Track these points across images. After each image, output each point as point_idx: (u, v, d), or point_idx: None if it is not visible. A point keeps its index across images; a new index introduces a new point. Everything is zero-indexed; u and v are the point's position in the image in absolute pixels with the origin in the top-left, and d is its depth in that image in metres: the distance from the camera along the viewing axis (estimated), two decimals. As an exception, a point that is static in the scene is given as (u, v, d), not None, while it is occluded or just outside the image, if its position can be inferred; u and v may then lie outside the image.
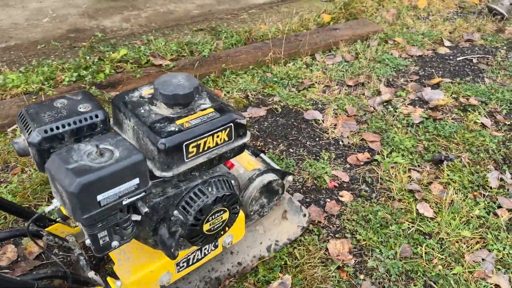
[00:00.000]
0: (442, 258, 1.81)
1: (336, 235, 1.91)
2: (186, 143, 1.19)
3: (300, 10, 4.19)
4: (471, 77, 3.19)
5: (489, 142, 2.48)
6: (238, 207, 1.44)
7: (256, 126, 2.62)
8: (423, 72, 3.26)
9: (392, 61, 3.36)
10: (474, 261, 1.80)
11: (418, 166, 2.31)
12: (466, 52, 3.58)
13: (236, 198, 1.40)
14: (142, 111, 1.26)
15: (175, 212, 1.30)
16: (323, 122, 2.65)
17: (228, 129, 1.28)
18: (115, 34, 3.57)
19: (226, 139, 1.30)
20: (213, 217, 1.35)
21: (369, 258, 1.81)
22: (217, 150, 1.29)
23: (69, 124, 1.19)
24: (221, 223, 1.41)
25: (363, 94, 2.95)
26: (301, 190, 2.16)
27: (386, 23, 4.01)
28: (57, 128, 1.17)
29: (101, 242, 1.15)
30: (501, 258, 1.83)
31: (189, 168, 1.24)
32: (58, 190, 1.06)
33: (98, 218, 1.07)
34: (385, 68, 3.28)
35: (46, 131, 1.15)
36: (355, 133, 2.57)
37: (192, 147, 1.21)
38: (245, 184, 1.67)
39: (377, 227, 1.95)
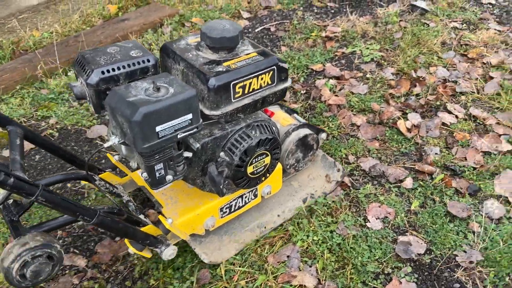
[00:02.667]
0: (245, 271, 1.56)
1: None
2: (233, 82, 1.25)
3: (82, 5, 3.49)
4: (269, 48, 2.97)
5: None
6: (279, 152, 1.50)
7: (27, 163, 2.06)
8: (223, 53, 2.92)
9: (189, 47, 2.98)
10: (278, 262, 1.59)
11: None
12: (265, 21, 3.29)
13: (277, 142, 1.46)
14: (190, 55, 1.33)
15: (222, 153, 1.37)
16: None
17: (271, 72, 1.34)
18: None
19: (269, 82, 1.35)
20: (256, 159, 1.42)
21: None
22: (261, 93, 1.35)
23: (123, 67, 1.26)
24: (263, 167, 1.47)
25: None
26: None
27: (183, 3, 3.53)
28: (113, 70, 1.25)
29: (157, 174, 1.22)
30: (307, 248, 1.65)
31: (235, 108, 1.30)
32: (118, 122, 1.14)
33: (156, 149, 1.15)
34: (180, 57, 2.87)
35: (103, 72, 1.23)
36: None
37: (239, 87, 1.28)
38: (281, 138, 1.73)
39: (168, 264, 1.58)
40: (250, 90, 1.32)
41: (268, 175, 1.54)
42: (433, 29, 3.07)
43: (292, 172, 1.85)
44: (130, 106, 1.08)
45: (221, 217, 1.59)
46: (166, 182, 1.25)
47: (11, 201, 1.08)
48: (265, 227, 1.72)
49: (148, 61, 1.31)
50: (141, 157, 1.18)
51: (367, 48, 2.90)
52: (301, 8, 3.50)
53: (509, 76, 2.60)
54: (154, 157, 1.17)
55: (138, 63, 1.29)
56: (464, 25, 3.25)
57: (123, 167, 1.64)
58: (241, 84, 1.28)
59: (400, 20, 3.20)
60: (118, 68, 1.26)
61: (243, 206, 1.65)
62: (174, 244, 1.45)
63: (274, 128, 1.49)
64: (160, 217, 1.39)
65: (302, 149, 1.79)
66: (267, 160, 1.46)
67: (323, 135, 1.92)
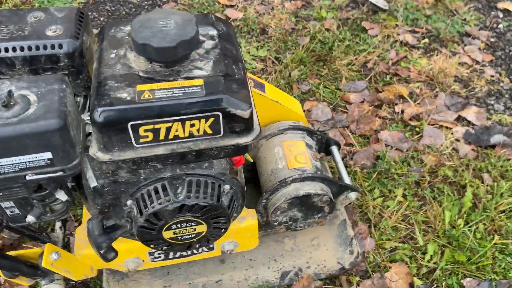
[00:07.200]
0: None
1: None
2: (132, 122, 0.79)
3: None
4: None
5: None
6: (224, 222, 1.01)
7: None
8: None
9: None
10: None
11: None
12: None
13: (220, 212, 0.97)
14: (112, 56, 0.88)
15: (129, 201, 0.95)
16: None
17: (211, 119, 0.82)
18: None
19: (209, 132, 0.84)
20: (179, 226, 0.97)
21: None
22: (192, 144, 0.85)
23: (22, 49, 0.90)
24: (194, 235, 1.02)
25: None
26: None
27: None
28: (6, 50, 0.89)
29: (8, 212, 0.89)
30: None
31: (141, 157, 0.84)
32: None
33: (-10, 186, 0.80)
34: None
35: (-10, 51, 0.88)
36: None
37: (145, 130, 0.81)
38: (275, 185, 1.21)
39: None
40: (171, 137, 0.83)
41: (209, 242, 1.08)
42: (366, 41, 2.08)
43: (283, 230, 1.33)
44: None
45: (152, 261, 1.22)
46: (26, 223, 0.92)
47: None
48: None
49: (60, 47, 0.91)
50: (-22, 188, 0.85)
51: None
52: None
53: (403, 144, 1.71)
54: (-10, 194, 0.83)
55: (45, 47, 0.90)
56: (426, 40, 2.15)
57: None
58: (150, 127, 0.80)
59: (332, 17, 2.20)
60: (14, 49, 0.90)
61: (189, 256, 1.24)
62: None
63: (227, 186, 0.99)
64: (47, 246, 1.08)
65: (301, 209, 1.25)
66: (201, 228, 1.00)
67: (352, 195, 1.32)
